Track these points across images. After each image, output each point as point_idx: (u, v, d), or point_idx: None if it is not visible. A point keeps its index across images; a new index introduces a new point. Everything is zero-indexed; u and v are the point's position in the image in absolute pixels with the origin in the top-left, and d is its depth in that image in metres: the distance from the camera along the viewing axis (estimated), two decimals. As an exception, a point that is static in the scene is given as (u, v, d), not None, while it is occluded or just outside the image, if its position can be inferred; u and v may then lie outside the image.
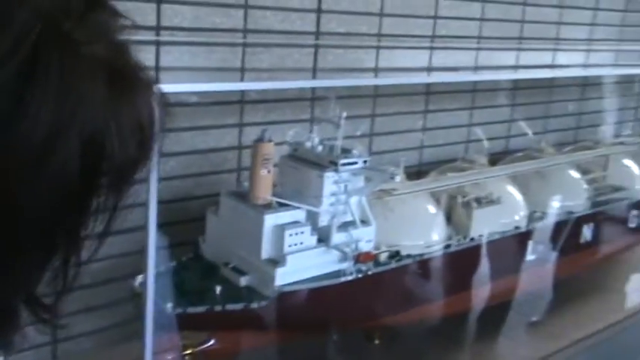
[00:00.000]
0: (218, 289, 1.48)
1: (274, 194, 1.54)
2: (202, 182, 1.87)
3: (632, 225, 2.34)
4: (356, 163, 1.57)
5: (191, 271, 1.58)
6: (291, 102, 1.98)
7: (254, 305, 1.44)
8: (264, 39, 1.87)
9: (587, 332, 2.06)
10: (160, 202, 1.38)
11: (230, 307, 1.43)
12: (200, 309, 1.42)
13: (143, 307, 1.37)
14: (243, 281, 1.51)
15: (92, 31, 0.49)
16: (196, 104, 1.74)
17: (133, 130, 0.51)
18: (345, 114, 1.58)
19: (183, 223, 1.84)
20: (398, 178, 1.56)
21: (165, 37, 1.65)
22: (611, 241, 2.29)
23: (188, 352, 1.49)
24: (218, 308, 1.42)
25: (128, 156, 0.51)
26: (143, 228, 1.36)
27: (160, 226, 1.39)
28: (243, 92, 1.89)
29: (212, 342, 1.52)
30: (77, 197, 0.49)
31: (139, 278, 1.44)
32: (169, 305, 1.42)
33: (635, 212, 2.33)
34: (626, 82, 3.17)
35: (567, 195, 2.10)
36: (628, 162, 2.37)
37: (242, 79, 1.90)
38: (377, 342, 1.84)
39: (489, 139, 2.51)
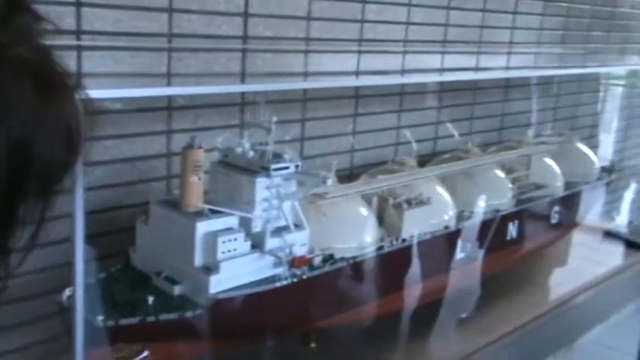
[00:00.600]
0: (151, 299, 1.44)
1: (206, 201, 1.52)
2: (130, 191, 1.82)
3: (553, 221, 2.44)
4: (288, 167, 1.56)
5: (122, 282, 1.54)
6: (219, 107, 1.96)
7: (189, 314, 1.42)
8: (189, 43, 1.85)
9: (514, 325, 2.12)
10: (87, 213, 1.34)
11: (164, 317, 1.40)
12: (133, 320, 1.38)
13: (72, 321, 1.33)
14: (177, 290, 1.48)
15: (16, 34, 0.48)
16: (121, 111, 1.69)
17: (60, 134, 0.51)
18: (275, 118, 1.58)
19: (112, 233, 1.79)
20: (330, 182, 1.57)
21: (86, 41, 1.60)
22: (535, 237, 2.38)
23: (121, 365, 1.45)
24: (151, 319, 1.39)
25: (56, 160, 0.51)
26: (69, 240, 1.32)
27: (88, 237, 1.35)
28: (170, 98, 1.85)
29: (146, 354, 1.48)
30: (4, 202, 0.48)
31: (67, 292, 1.40)
32: (100, 318, 1.38)
33: (556, 209, 2.42)
34: (544, 83, 3.30)
35: (493, 194, 2.17)
36: (549, 161, 2.46)
37: (168, 85, 1.87)
38: (313, 345, 1.85)
39: (417, 141, 2.55)
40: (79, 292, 1.21)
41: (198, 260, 1.47)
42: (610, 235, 2.95)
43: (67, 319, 1.38)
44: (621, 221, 3.41)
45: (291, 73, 2.13)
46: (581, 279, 2.51)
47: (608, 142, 3.79)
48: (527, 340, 2.13)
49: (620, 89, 4.04)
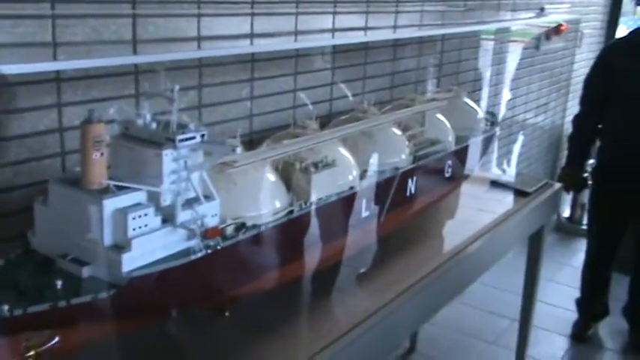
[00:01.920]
0: (59, 283, 1.37)
1: (109, 177, 1.45)
2: (21, 170, 1.71)
3: (447, 175, 2.54)
4: (194, 138, 1.52)
5: (24, 268, 1.45)
6: (113, 77, 1.87)
7: (102, 295, 1.36)
8: (76, 10, 1.74)
9: (417, 277, 2.21)
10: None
11: (76, 301, 1.34)
12: (43, 307, 1.31)
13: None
14: (85, 272, 1.42)
15: None
16: (3, 84, 1.58)
17: None
18: (178, 87, 1.52)
19: (6, 216, 1.68)
20: (239, 150, 1.55)
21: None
22: (433, 192, 2.48)
23: (31, 353, 1.37)
24: (63, 304, 1.33)
25: None
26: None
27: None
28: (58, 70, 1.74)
29: (56, 339, 1.42)
30: None
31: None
32: (5, 307, 1.30)
33: (449, 163, 2.53)
34: (429, 41, 3.40)
35: (392, 152, 2.22)
36: (440, 117, 2.55)
37: (54, 55, 1.75)
38: (227, 314, 1.84)
39: (314, 103, 2.57)
40: None
41: (108, 239, 1.41)
42: (496, 184, 3.12)
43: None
44: (506, 171, 3.62)
45: (184, 38, 2.06)
46: (472, 228, 2.64)
47: (489, 95, 3.99)
48: (428, 290, 2.23)
49: (492, 44, 4.23)
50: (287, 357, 1.70)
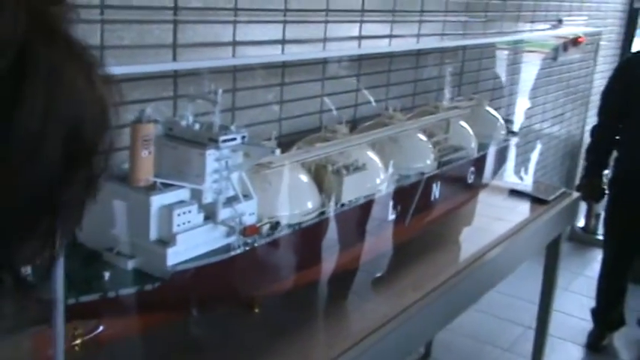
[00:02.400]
0: (107, 275, 1.44)
1: (154, 175, 1.52)
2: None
3: (470, 181, 2.60)
4: (235, 139, 1.59)
5: (72, 260, 1.52)
6: (153, 80, 1.95)
7: (148, 287, 1.43)
8: (122, 15, 1.81)
9: (438, 282, 2.27)
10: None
11: (124, 291, 1.41)
12: (94, 297, 1.38)
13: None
14: (131, 264, 1.49)
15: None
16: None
17: (102, 113, 0.53)
18: (221, 90, 1.59)
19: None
20: (278, 152, 1.61)
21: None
22: (455, 197, 2.54)
23: (78, 341, 1.44)
24: (112, 294, 1.40)
25: (100, 141, 0.53)
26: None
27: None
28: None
29: (101, 328, 1.49)
30: (61, 176, 0.49)
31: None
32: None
33: (472, 169, 2.59)
34: (451, 50, 3.47)
35: (418, 157, 2.29)
36: (463, 124, 2.61)
37: (101, 57, 1.82)
38: (257, 310, 1.90)
39: (339, 108, 2.64)
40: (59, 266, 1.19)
41: (153, 234, 1.48)
42: (515, 192, 3.17)
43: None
44: (524, 179, 3.66)
45: (220, 43, 2.13)
46: (491, 235, 2.69)
47: (507, 104, 4.04)
48: (446, 297, 2.28)
49: (511, 54, 4.29)
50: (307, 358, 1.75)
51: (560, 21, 4.61)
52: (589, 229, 5.61)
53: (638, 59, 3.85)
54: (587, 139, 5.60)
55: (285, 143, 2.35)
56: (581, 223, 5.68)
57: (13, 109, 0.45)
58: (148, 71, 1.83)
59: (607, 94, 3.86)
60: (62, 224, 0.53)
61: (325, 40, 2.53)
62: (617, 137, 3.81)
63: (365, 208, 1.96)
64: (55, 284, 1.17)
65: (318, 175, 1.89)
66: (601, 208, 5.55)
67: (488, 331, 4.07)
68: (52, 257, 0.55)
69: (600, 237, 5.52)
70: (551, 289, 3.31)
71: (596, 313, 4.11)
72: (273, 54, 2.29)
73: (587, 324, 4.15)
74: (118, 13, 1.80)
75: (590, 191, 3.88)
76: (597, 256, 5.28)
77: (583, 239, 5.56)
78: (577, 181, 5.45)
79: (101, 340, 1.49)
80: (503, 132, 2.95)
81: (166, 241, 1.48)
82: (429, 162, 2.31)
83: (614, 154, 3.90)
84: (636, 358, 3.98)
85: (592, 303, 4.20)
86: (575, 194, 3.30)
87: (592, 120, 4.11)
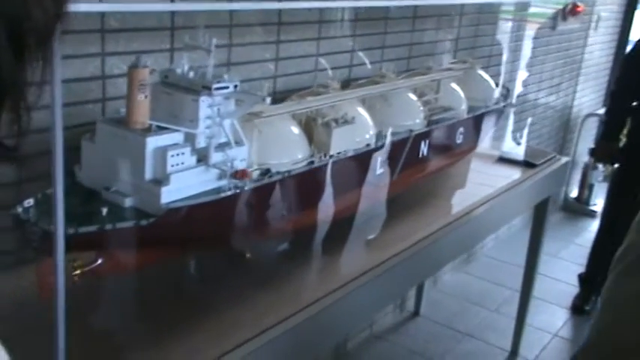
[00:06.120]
0: (104, 210, 1.53)
1: (150, 119, 1.61)
2: (67, 112, 1.86)
3: (459, 141, 2.68)
4: (228, 87, 1.67)
5: (71, 197, 1.60)
6: (150, 32, 2.02)
7: (143, 223, 1.52)
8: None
9: (427, 232, 2.36)
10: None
11: (120, 225, 1.50)
12: (91, 229, 1.47)
13: (32, 231, 1.41)
14: (128, 202, 1.58)
15: None
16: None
17: None
18: (215, 40, 1.67)
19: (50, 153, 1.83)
20: (269, 100, 1.69)
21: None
22: (443, 156, 2.62)
23: (77, 272, 1.54)
24: (109, 227, 1.49)
25: (46, 12, 0.55)
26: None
27: (31, 157, 1.41)
28: (102, 20, 1.88)
29: (100, 261, 1.58)
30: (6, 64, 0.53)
31: (25, 204, 1.47)
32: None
33: (461, 130, 2.66)
34: (447, 14, 3.52)
35: (407, 115, 2.36)
36: (455, 86, 2.68)
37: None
38: (248, 255, 2.00)
39: (334, 68, 2.71)
40: (59, 193, 1.28)
41: (149, 174, 1.57)
42: (506, 155, 3.25)
43: (26, 231, 1.46)
44: (517, 145, 3.74)
45: (218, -1, 2.19)
46: (480, 193, 2.78)
47: (504, 72, 4.09)
48: (433, 247, 2.37)
49: (509, 22, 4.33)
50: (293, 300, 1.84)
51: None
52: (582, 200, 5.70)
53: None
54: (579, 110, 5.67)
55: (279, 100, 2.43)
56: (574, 193, 5.77)
57: None
58: (145, 13, 1.88)
59: (627, 62, 3.89)
60: (23, 101, 0.58)
61: (322, -2, 2.59)
62: (634, 104, 3.85)
63: (353, 160, 2.04)
64: (55, 217, 1.26)
65: (308, 127, 1.97)
66: (594, 179, 5.64)
67: (476, 292, 4.19)
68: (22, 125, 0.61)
69: (593, 207, 5.62)
70: (537, 251, 3.41)
71: (584, 278, 4.21)
72: (268, 3, 2.34)
73: (573, 289, 4.27)
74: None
75: (606, 153, 3.95)
76: (589, 226, 5.39)
77: (576, 209, 5.66)
78: (572, 149, 5.53)
79: (99, 272, 1.59)
80: (496, 97, 3.02)
81: (160, 180, 1.56)
82: (418, 120, 2.38)
83: (629, 124, 3.93)
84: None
85: (579, 269, 4.31)
86: (565, 159, 3.38)
87: (585, 92, 4.17)
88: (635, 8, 6.09)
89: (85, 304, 1.62)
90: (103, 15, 1.85)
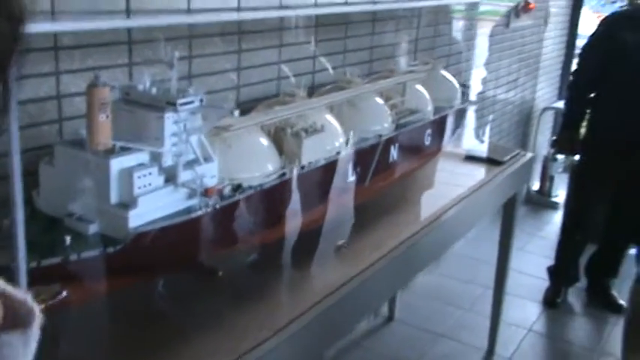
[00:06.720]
0: (68, 239, 1.44)
1: (112, 139, 1.52)
2: (23, 135, 1.76)
3: (427, 143, 2.65)
4: (193, 102, 1.60)
5: (31, 226, 1.51)
6: (107, 47, 1.93)
7: (110, 250, 1.44)
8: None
9: (398, 241, 2.31)
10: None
11: (86, 255, 1.41)
12: (55, 260, 1.38)
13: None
14: (93, 228, 1.49)
15: None
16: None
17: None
18: (177, 53, 1.59)
19: (8, 179, 1.73)
20: (237, 113, 1.63)
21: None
22: (412, 159, 2.59)
23: (41, 306, 1.44)
24: (74, 257, 1.40)
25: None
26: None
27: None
28: (55, 37, 1.79)
29: (64, 293, 1.49)
30: None
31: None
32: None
33: (428, 131, 2.63)
34: (406, 16, 3.50)
35: (375, 120, 2.32)
36: (420, 87, 2.65)
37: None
38: (220, 274, 1.93)
39: (297, 75, 2.65)
40: (19, 227, 1.19)
41: (114, 197, 1.49)
42: (471, 154, 3.24)
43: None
44: (480, 143, 3.74)
45: (176, 10, 2.11)
46: (449, 195, 2.75)
47: (463, 70, 4.10)
48: (406, 254, 2.33)
49: (464, 21, 4.35)
50: (269, 321, 1.77)
51: (512, -13, 4.68)
52: (544, 192, 5.76)
53: (621, 21, 3.77)
54: (539, 104, 5.73)
55: (244, 110, 2.36)
56: (536, 186, 5.83)
57: None
58: (100, 30, 1.80)
59: (586, 52, 3.89)
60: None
61: (281, 7, 2.53)
62: (593, 95, 3.86)
63: (325, 169, 1.99)
64: (16, 249, 1.17)
65: (277, 137, 1.90)
66: (554, 170, 5.71)
67: (449, 292, 4.18)
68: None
69: (555, 199, 5.69)
70: (508, 248, 3.41)
71: (553, 270, 4.24)
72: (228, 14, 2.28)
73: (543, 282, 4.29)
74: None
75: (567, 144, 3.96)
76: (552, 218, 5.46)
77: (538, 201, 5.72)
78: (531, 143, 5.58)
79: (65, 304, 1.50)
80: (459, 96, 3.00)
81: (127, 203, 1.48)
82: (386, 124, 2.34)
83: (588, 115, 3.94)
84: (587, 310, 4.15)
85: (547, 262, 4.34)
86: (530, 155, 3.39)
87: (544, 85, 4.20)
88: (581, 3, 6.20)
89: (51, 340, 1.52)
90: (55, 32, 1.75)
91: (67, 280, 1.48)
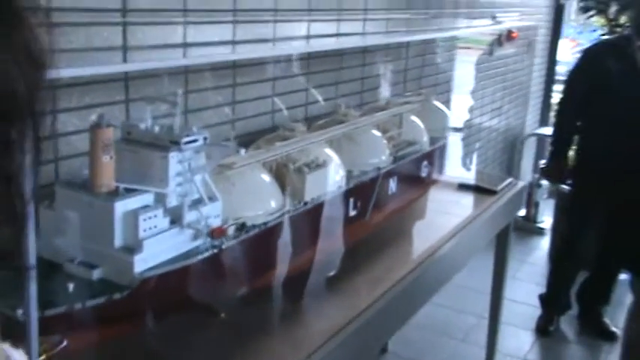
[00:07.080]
0: (71, 286, 1.38)
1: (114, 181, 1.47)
2: (17, 177, 1.70)
3: (423, 174, 2.63)
4: (197, 140, 1.56)
5: (32, 274, 1.45)
6: (103, 84, 1.88)
7: (116, 297, 1.38)
8: (71, 18, 1.75)
9: (400, 274, 2.27)
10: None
11: (90, 302, 1.36)
12: (59, 310, 1.32)
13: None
14: (96, 274, 1.44)
15: None
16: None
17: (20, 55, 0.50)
18: (181, 91, 1.56)
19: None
20: (243, 151, 1.59)
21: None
22: (411, 191, 2.56)
23: (42, 357, 1.38)
24: (78, 307, 1.34)
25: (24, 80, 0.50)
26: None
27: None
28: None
29: (65, 343, 1.43)
30: None
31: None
32: (20, 312, 1.30)
33: (425, 162, 2.62)
34: (395, 48, 3.51)
35: (374, 153, 2.30)
36: (415, 119, 2.64)
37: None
38: (222, 315, 1.87)
39: (290, 107, 2.63)
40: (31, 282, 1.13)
41: (118, 241, 1.43)
42: (464, 184, 3.22)
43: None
44: (470, 171, 3.74)
45: (171, 45, 2.08)
46: (445, 228, 2.72)
47: (450, 99, 4.12)
48: (406, 290, 2.29)
49: (451, 51, 4.38)
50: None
51: (494, 17, 4.73)
52: (530, 218, 5.77)
53: (605, 50, 3.80)
54: (527, 130, 5.77)
55: (240, 144, 2.32)
56: (522, 212, 5.84)
57: None
58: (98, 73, 1.76)
59: (570, 81, 3.90)
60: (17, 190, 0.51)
61: (275, 40, 2.52)
62: (579, 123, 3.87)
63: (329, 204, 1.95)
64: (27, 300, 1.11)
65: (279, 174, 1.87)
66: (540, 196, 5.74)
67: (443, 322, 4.14)
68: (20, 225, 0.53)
69: (541, 225, 5.70)
70: (502, 277, 3.39)
71: (545, 298, 4.22)
72: (224, 53, 2.26)
73: (534, 310, 4.27)
74: (66, 15, 1.74)
75: (557, 172, 3.97)
76: (539, 244, 5.46)
77: (524, 227, 5.72)
78: (518, 171, 5.60)
79: (67, 354, 1.43)
80: (451, 125, 3.00)
81: (132, 247, 1.43)
82: (384, 157, 2.32)
83: (577, 142, 3.95)
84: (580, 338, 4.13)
85: (538, 289, 4.32)
86: (522, 183, 3.39)
87: (533, 110, 4.22)
88: (560, 30, 6.31)
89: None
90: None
91: (70, 328, 1.42)
